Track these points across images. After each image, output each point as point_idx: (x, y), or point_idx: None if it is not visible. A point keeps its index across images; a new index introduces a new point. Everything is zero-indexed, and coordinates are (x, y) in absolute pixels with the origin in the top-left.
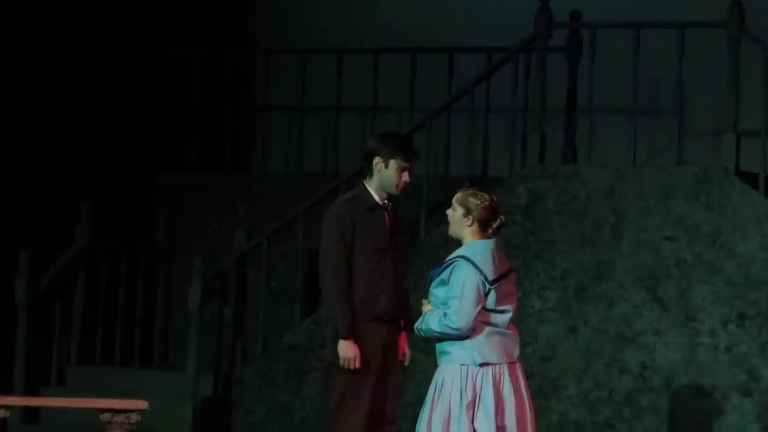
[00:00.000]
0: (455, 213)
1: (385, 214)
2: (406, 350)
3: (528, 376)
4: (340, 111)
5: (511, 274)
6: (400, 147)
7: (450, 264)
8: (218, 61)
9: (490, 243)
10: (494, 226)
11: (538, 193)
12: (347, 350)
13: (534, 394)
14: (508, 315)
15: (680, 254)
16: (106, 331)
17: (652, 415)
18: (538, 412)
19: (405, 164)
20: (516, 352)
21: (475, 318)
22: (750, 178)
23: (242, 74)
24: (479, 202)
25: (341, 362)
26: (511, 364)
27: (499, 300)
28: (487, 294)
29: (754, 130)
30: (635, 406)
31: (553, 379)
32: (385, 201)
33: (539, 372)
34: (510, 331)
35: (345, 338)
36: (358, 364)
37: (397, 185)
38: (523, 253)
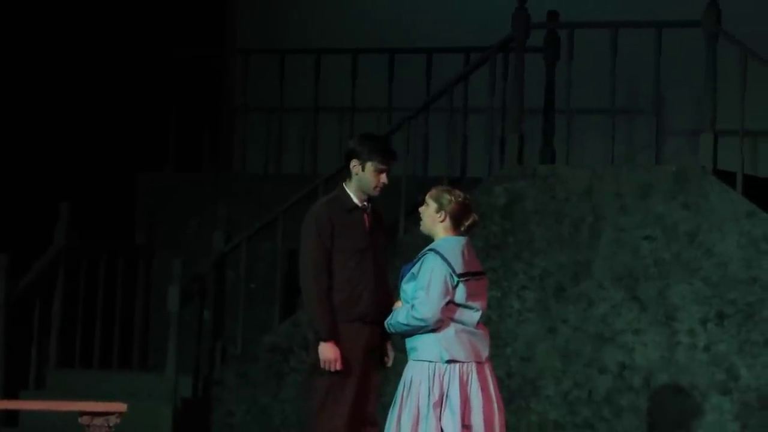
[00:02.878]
0: (428, 209)
1: (365, 215)
2: (389, 351)
3: (507, 376)
4: (319, 111)
5: (483, 276)
6: (377, 149)
7: (420, 258)
8: (197, 61)
9: (461, 240)
10: (467, 223)
11: (516, 194)
12: (328, 352)
13: (513, 395)
14: (477, 314)
15: (659, 253)
16: (86, 333)
17: (632, 414)
18: (518, 413)
19: (382, 166)
20: (485, 352)
21: (443, 312)
22: (728, 178)
23: (221, 75)
24: (452, 198)
25: (322, 364)
26: (479, 363)
27: (469, 297)
28: (455, 287)
29: (732, 129)
30: (614, 405)
31: (532, 379)
32: (365, 203)
33: (518, 372)
34: (479, 331)
35: (325, 340)
36: (339, 366)
37: (375, 187)
38: (501, 254)
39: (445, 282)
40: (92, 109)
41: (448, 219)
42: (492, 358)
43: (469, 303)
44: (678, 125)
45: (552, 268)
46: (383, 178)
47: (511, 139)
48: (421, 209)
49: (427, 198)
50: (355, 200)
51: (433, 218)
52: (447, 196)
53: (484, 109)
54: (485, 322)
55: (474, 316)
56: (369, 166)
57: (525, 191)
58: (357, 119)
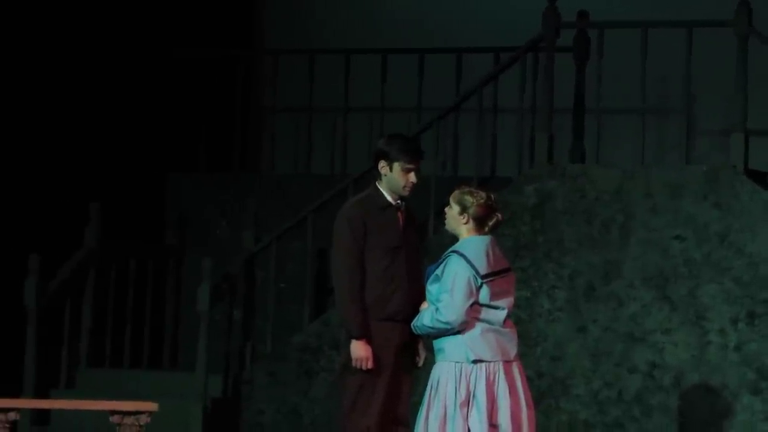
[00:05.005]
0: (451, 211)
1: (398, 213)
2: (421, 351)
3: (537, 376)
4: (348, 112)
5: (509, 273)
6: (404, 149)
7: (443, 260)
8: (226, 62)
9: (485, 239)
10: (490, 223)
11: (546, 193)
12: (359, 350)
13: (543, 394)
14: (503, 313)
15: (689, 253)
16: (116, 333)
17: (662, 414)
18: (548, 412)
19: (409, 165)
20: (513, 351)
21: (468, 313)
22: (759, 177)
23: (250, 75)
24: (474, 200)
25: (354, 363)
26: (507, 362)
27: (494, 296)
28: (479, 288)
29: (763, 128)
30: (644, 405)
31: (562, 378)
32: (398, 201)
33: (548, 372)
34: (507, 329)
35: (357, 338)
36: (370, 365)
37: (404, 186)
38: (532, 253)
39: (469, 284)
40: (123, 108)
41: (471, 221)
42: (522, 357)
43: (495, 302)
44: (709, 124)
45: (582, 267)
46: (412, 177)
47: (541, 139)
48: (446, 210)
49: (451, 199)
50: (389, 198)
51: (456, 220)
52: (469, 199)
53: (514, 109)
54: (515, 321)
55: (500, 314)
56: (396, 165)
57: (555, 191)
58: (386, 119)
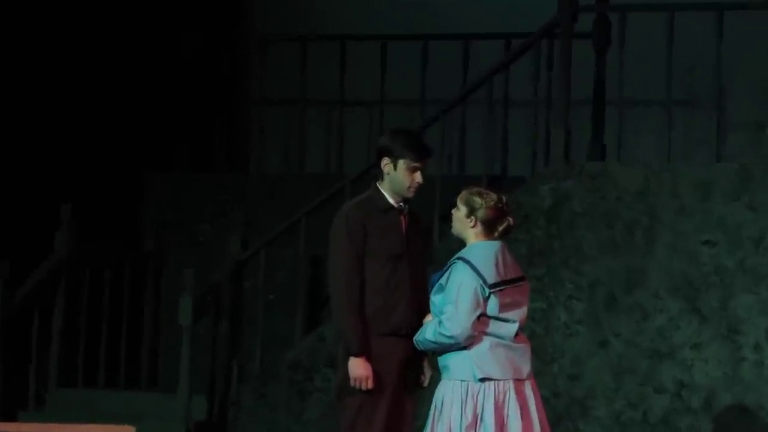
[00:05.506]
0: (458, 212)
1: (401, 217)
2: (426, 369)
3: (554, 395)
4: (345, 105)
5: (522, 282)
6: (410, 145)
7: (448, 268)
8: (211, 49)
9: (494, 245)
10: (500, 228)
11: (563, 194)
12: (358, 369)
13: (560, 417)
14: (514, 326)
15: (720, 260)
16: (89, 349)
17: None
18: None
19: (415, 164)
20: (526, 368)
21: (474, 326)
22: None
23: (237, 64)
24: (484, 202)
25: (352, 382)
26: (518, 381)
27: (503, 308)
28: (486, 299)
29: None
30: (672, 428)
31: (580, 398)
32: (401, 203)
33: (566, 391)
34: (519, 344)
35: (356, 355)
36: (370, 385)
37: (408, 187)
38: (547, 260)
39: (475, 294)
40: (95, 102)
41: (479, 224)
42: (536, 375)
43: (505, 314)
44: (741, 117)
45: (602, 276)
46: (418, 177)
47: (557, 134)
48: (453, 211)
49: (458, 200)
50: (391, 200)
51: (463, 223)
52: (478, 200)
53: (527, 101)
54: (528, 335)
55: (510, 328)
56: (401, 164)
57: (572, 191)
58: (387, 113)
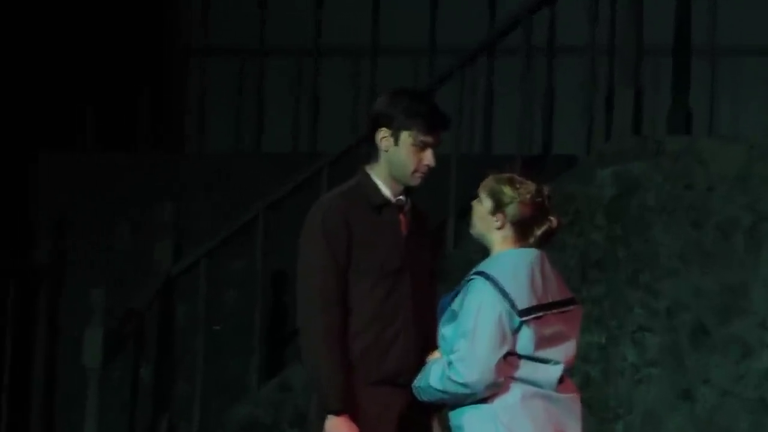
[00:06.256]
0: (481, 207)
1: (401, 217)
2: (435, 429)
3: None
4: (320, 56)
5: (571, 307)
6: (418, 111)
7: (464, 286)
8: None
9: (529, 255)
10: (539, 232)
11: (631, 181)
12: (339, 430)
13: None
14: (557, 369)
15: None
16: None
17: None
18: None
19: (425, 138)
20: (574, 428)
21: (499, 370)
22: None
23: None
24: (516, 194)
25: None
26: None
27: (542, 343)
28: (516, 331)
29: None
30: None
31: None
32: (401, 197)
33: None
34: (563, 395)
35: (335, 413)
36: None
37: (414, 171)
38: (608, 275)
39: (500, 324)
40: None
41: (508, 225)
42: None
43: (543, 353)
44: None
45: (687, 297)
46: (428, 156)
47: (623, 96)
48: (474, 204)
49: (481, 190)
50: (386, 192)
51: (487, 222)
52: (508, 191)
53: (581, 49)
54: (580, 382)
55: (552, 372)
56: (405, 137)
57: (645, 177)
58: (381, 67)
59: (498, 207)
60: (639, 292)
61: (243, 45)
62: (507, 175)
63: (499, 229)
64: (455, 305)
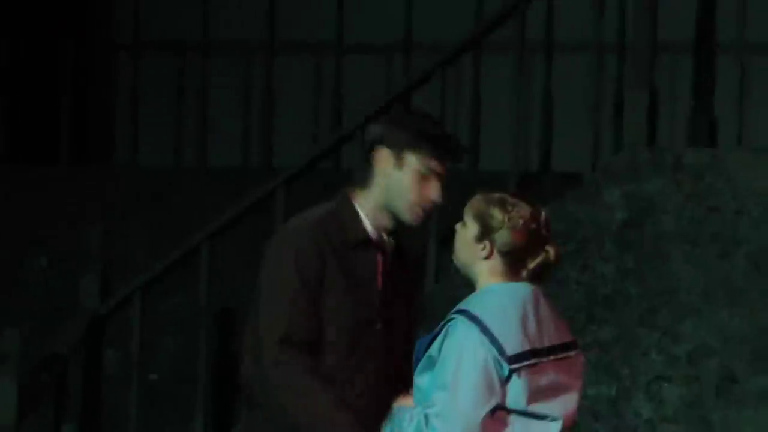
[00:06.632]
0: (466, 232)
1: (379, 257)
2: None
3: None
4: (275, 52)
5: (572, 353)
6: (433, 132)
7: (443, 327)
8: None
9: (521, 291)
10: (532, 264)
11: (645, 203)
12: None
13: None
14: (556, 427)
15: None
16: None
17: None
18: None
19: (436, 165)
20: None
21: (484, 427)
22: None
23: None
24: (506, 218)
25: None
26: None
27: (536, 396)
28: (505, 381)
29: None
30: None
31: None
32: (385, 234)
33: None
34: None
35: None
36: None
37: (416, 204)
38: (617, 314)
39: (486, 373)
40: None
41: (497, 255)
42: None
43: (538, 408)
44: None
45: (713, 340)
46: (434, 189)
47: (635, 100)
48: (458, 228)
49: (466, 212)
50: (368, 226)
51: (472, 250)
52: (498, 214)
53: (584, 46)
54: None
55: (550, 430)
56: (413, 161)
57: (661, 198)
58: (350, 64)
59: (485, 233)
60: (655, 334)
61: (183, 39)
62: (497, 195)
63: (486, 259)
64: (433, 350)
